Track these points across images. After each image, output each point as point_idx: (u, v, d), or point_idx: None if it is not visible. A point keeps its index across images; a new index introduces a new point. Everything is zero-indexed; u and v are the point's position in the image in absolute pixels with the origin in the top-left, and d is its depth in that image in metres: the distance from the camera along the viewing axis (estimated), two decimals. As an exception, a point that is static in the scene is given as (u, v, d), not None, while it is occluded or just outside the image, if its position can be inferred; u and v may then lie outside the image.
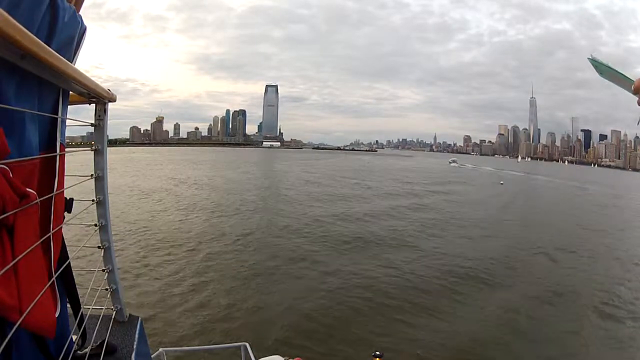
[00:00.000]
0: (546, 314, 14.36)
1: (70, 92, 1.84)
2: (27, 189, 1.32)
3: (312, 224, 27.68)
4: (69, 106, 1.82)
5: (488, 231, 28.91)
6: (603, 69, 1.30)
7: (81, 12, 1.94)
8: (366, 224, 28.83)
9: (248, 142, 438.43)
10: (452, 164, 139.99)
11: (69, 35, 1.64)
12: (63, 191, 1.78)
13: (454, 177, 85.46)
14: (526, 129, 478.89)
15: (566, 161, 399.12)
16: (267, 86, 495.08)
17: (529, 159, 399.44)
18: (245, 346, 6.28)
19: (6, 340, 1.15)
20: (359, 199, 42.35)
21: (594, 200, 58.39)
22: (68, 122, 1.84)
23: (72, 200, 1.90)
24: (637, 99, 1.16)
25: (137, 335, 2.71)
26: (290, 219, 29.51)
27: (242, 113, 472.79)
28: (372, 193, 48.26)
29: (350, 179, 67.94)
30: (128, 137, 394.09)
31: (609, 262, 22.41)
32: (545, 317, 14.07)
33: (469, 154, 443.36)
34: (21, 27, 1.04)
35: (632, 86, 1.17)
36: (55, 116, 1.66)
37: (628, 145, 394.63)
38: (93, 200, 2.43)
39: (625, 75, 1.22)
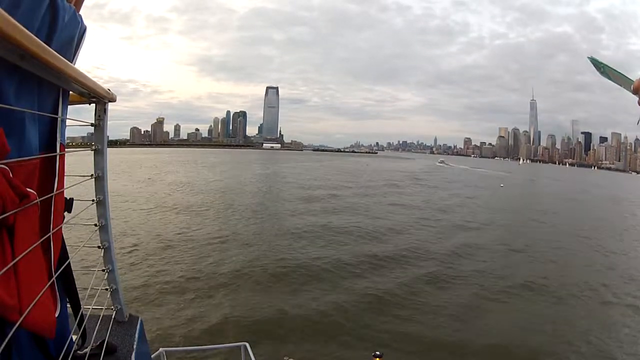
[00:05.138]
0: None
1: (70, 92, 1.84)
2: (27, 189, 1.32)
3: (312, 227, 27.56)
4: (69, 106, 1.83)
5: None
6: (603, 69, 1.31)
7: (83, 13, 1.94)
8: (365, 226, 28.84)
9: (248, 143, 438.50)
10: (439, 164, 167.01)
11: (69, 35, 1.64)
12: (63, 191, 1.78)
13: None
14: (527, 132, 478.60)
15: (567, 163, 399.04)
16: (267, 88, 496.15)
17: (529, 161, 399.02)
18: (245, 346, 6.27)
19: (6, 340, 1.15)
20: (354, 203, 42.40)
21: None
22: (68, 122, 1.85)
23: (72, 200, 1.90)
24: (637, 100, 1.17)
25: (137, 335, 2.70)
26: (290, 222, 29.48)
27: (243, 114, 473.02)
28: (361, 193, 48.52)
29: (347, 181, 68.45)
30: (128, 137, 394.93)
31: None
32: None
33: (469, 156, 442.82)
34: (21, 27, 1.04)
35: (632, 86, 1.18)
36: (55, 116, 1.66)
37: (628, 147, 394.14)
38: (93, 200, 2.43)
39: (624, 75, 1.23)
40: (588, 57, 1.35)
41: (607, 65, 1.30)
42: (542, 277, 18.79)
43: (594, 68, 1.36)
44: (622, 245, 28.53)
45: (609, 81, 1.32)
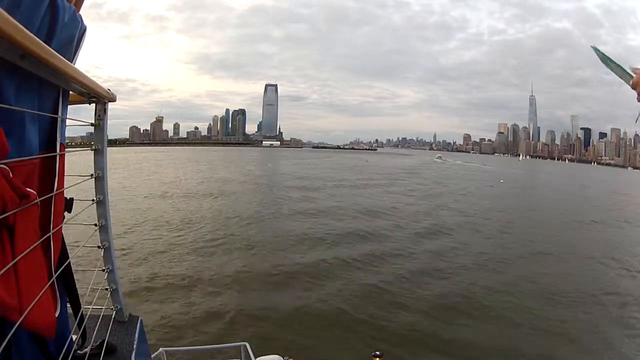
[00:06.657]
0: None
1: (70, 92, 1.84)
2: (27, 189, 1.32)
3: (312, 227, 27.46)
4: (69, 106, 1.82)
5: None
6: (605, 59, 1.33)
7: (81, 12, 1.94)
8: (368, 224, 28.87)
9: (248, 141, 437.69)
10: (436, 159, 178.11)
11: (69, 35, 1.64)
12: (63, 191, 1.78)
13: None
14: (526, 128, 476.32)
15: (566, 159, 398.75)
16: (266, 85, 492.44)
17: (529, 157, 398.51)
18: (245, 346, 6.28)
19: (6, 340, 1.15)
20: (353, 194, 42.57)
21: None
22: (68, 122, 1.85)
23: (72, 200, 1.90)
24: (636, 97, 1.17)
25: (137, 335, 2.71)
26: (291, 221, 29.47)
27: (242, 112, 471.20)
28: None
29: (347, 176, 68.88)
30: (128, 137, 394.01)
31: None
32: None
33: (468, 152, 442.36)
34: (21, 27, 1.04)
35: (631, 81, 1.19)
36: (55, 116, 1.66)
37: (628, 143, 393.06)
38: (93, 200, 2.43)
39: (625, 70, 1.24)
40: (591, 46, 1.37)
41: (609, 57, 1.31)
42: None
43: (595, 60, 1.38)
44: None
45: (609, 75, 1.34)
